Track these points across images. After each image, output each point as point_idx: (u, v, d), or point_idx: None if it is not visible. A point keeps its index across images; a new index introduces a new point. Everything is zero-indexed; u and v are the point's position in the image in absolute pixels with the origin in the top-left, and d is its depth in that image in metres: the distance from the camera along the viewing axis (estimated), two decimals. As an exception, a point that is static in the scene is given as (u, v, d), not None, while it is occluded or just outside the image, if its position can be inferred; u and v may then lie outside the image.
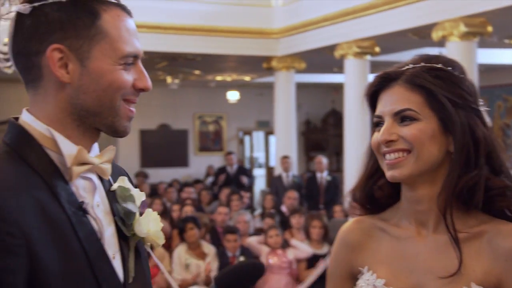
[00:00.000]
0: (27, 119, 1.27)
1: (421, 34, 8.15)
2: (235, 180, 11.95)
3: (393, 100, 1.47)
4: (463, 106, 1.45)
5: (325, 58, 10.18)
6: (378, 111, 1.50)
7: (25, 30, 1.26)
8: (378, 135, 1.48)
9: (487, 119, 1.50)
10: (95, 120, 1.29)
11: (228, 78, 13.96)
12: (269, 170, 15.54)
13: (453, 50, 7.19)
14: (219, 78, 14.03)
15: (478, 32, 7.16)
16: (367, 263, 1.54)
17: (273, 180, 11.01)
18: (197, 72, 12.86)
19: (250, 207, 10.62)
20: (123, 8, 1.31)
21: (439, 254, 1.47)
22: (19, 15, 1.26)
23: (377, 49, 8.88)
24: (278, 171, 10.54)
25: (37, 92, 1.28)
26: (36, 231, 1.15)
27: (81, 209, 1.24)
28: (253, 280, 1.16)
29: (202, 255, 6.19)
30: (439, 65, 1.47)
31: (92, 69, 1.26)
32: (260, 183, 15.87)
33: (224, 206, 7.56)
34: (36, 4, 1.25)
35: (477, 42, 7.28)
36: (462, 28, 7.06)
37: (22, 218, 1.14)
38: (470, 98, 1.47)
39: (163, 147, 14.92)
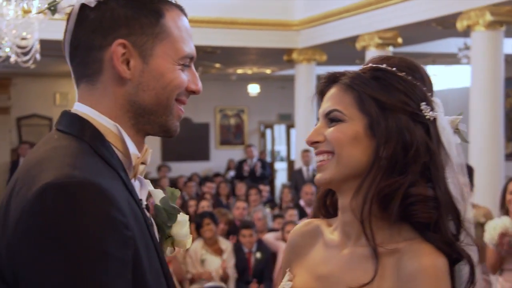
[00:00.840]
0: (90, 113, 1.24)
1: (446, 24, 7.94)
2: (255, 172, 11.94)
3: (327, 101, 1.44)
4: (396, 109, 1.38)
5: (346, 50, 10.00)
6: (319, 112, 1.48)
7: (88, 24, 1.24)
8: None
9: (441, 123, 1.41)
10: (149, 118, 1.27)
11: (249, 71, 13.85)
12: (291, 164, 15.42)
13: (479, 40, 6.99)
14: (239, 71, 13.94)
15: (505, 21, 6.94)
16: (296, 265, 1.52)
17: (293, 174, 10.91)
18: (217, 65, 12.77)
19: (271, 201, 10.51)
20: (181, 9, 1.32)
21: (353, 267, 1.40)
22: (82, 8, 1.24)
23: (399, 40, 8.69)
24: (298, 164, 10.41)
25: (95, 86, 1.25)
26: (133, 224, 1.14)
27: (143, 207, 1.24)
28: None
29: (219, 251, 6.11)
30: (383, 65, 1.42)
31: (154, 66, 1.25)
32: (281, 176, 15.77)
33: (242, 201, 7.46)
34: None
35: (504, 32, 7.05)
36: (488, 17, 6.84)
37: (127, 211, 1.13)
38: (410, 102, 1.39)
39: (184, 141, 14.86)
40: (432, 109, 1.42)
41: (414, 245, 1.34)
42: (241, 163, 13.08)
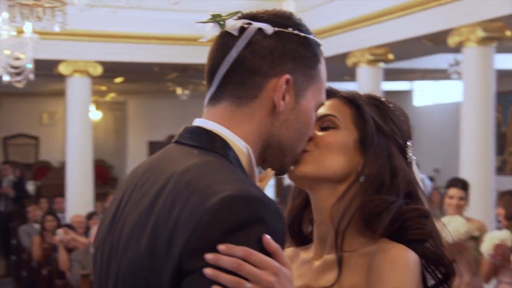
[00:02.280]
0: (224, 132, 1.25)
1: (437, 40, 7.99)
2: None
3: (323, 108, 1.46)
4: (387, 134, 1.43)
5: (336, 67, 10.02)
6: None
7: (259, 49, 1.25)
8: None
9: (416, 169, 1.47)
10: (277, 154, 1.29)
11: (238, 88, 13.83)
12: (279, 180, 15.38)
13: (470, 55, 7.04)
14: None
15: (496, 37, 6.99)
16: None
17: (283, 190, 10.88)
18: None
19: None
20: (324, 58, 1.35)
21: (324, 274, 1.42)
22: (258, 32, 1.26)
23: (390, 56, 8.72)
24: (287, 181, 10.37)
25: (241, 109, 1.26)
26: None
27: None
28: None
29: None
30: (383, 99, 1.49)
31: (302, 108, 1.28)
32: (269, 192, 15.72)
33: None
34: (278, 29, 1.27)
35: (495, 47, 7.10)
36: (480, 33, 6.89)
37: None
38: (398, 133, 1.45)
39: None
40: (411, 153, 1.48)
41: (383, 244, 1.35)
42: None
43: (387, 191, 1.39)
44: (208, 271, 1.06)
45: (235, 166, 1.21)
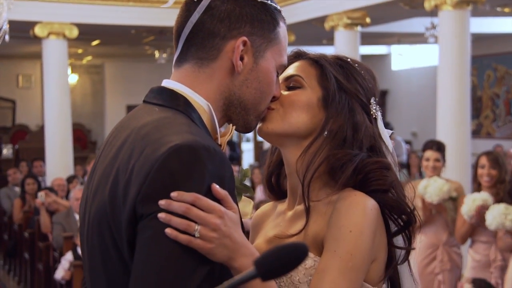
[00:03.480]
0: (185, 90, 1.34)
1: (413, 4, 8.03)
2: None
3: (290, 68, 1.55)
4: (349, 91, 1.50)
5: (314, 30, 10.04)
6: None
7: (217, 13, 1.34)
8: None
9: (380, 125, 1.53)
10: (240, 112, 1.38)
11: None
12: (257, 144, 15.48)
13: (446, 19, 7.10)
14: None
15: (471, 1, 7.05)
16: (252, 241, 1.62)
17: (261, 154, 10.95)
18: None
19: (240, 181, 10.54)
20: (285, 21, 1.44)
21: (294, 223, 1.51)
22: None
23: (368, 20, 8.76)
24: (267, 145, 10.44)
25: (202, 70, 1.35)
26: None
27: None
28: (296, 263, 1.08)
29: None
30: (348, 59, 1.56)
31: (261, 68, 1.37)
32: (248, 157, 15.80)
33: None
34: None
35: (470, 11, 7.17)
36: (456, -3, 6.93)
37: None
38: (361, 91, 1.52)
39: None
40: (376, 109, 1.54)
41: (344, 192, 1.43)
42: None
43: (350, 145, 1.47)
44: (161, 215, 1.17)
45: (192, 122, 1.30)
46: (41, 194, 7.24)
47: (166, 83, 1.39)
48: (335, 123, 1.48)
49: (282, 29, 1.41)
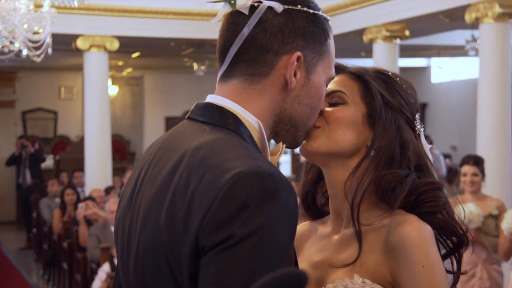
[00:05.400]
0: (234, 107, 1.27)
1: (453, 16, 7.93)
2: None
3: (331, 83, 1.50)
4: (394, 108, 1.46)
5: (352, 43, 9.99)
6: None
7: (270, 27, 1.28)
8: None
9: (424, 141, 1.50)
10: (289, 129, 1.32)
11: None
12: (294, 157, 15.45)
13: (487, 32, 6.99)
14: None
15: (513, 13, 6.92)
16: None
17: (298, 167, 10.92)
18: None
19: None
20: (331, 32, 1.37)
21: (344, 248, 1.45)
22: (268, 10, 1.28)
23: (407, 32, 8.68)
24: (303, 158, 10.40)
25: (253, 86, 1.28)
26: None
27: None
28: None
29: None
30: (389, 73, 1.51)
31: (313, 83, 1.31)
32: (285, 169, 15.78)
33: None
34: (287, 6, 1.29)
35: (512, 24, 7.05)
36: (497, 9, 6.83)
37: None
38: (406, 106, 1.48)
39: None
40: (420, 125, 1.51)
41: (398, 217, 1.39)
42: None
43: (397, 164, 1.43)
44: None
45: (246, 142, 1.24)
46: (81, 205, 7.34)
47: (213, 98, 1.32)
48: (382, 141, 1.44)
49: (331, 41, 1.36)
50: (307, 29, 1.30)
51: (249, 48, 1.28)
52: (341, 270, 1.41)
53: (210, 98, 1.32)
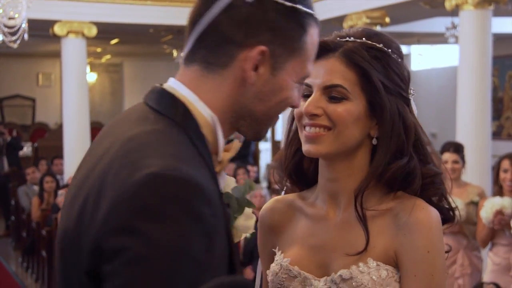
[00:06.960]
0: (190, 97, 1.20)
1: (434, 3, 7.95)
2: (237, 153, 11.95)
3: (326, 72, 1.42)
4: (394, 92, 1.43)
5: (333, 30, 9.95)
6: (309, 81, 1.43)
7: (237, 15, 1.18)
8: (303, 106, 1.42)
9: (414, 107, 1.49)
10: (251, 123, 1.24)
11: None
12: (275, 144, 15.46)
13: (467, 19, 7.01)
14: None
15: (493, 0, 6.94)
16: (280, 243, 1.54)
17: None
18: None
19: (256, 181, 10.53)
20: (318, 24, 1.26)
21: (347, 232, 1.45)
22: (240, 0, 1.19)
23: (387, 19, 8.68)
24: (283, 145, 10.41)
25: (212, 76, 1.20)
26: (220, 219, 1.12)
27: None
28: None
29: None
30: (380, 45, 1.44)
31: (278, 81, 1.22)
32: (265, 156, 15.79)
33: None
34: None
35: (492, 10, 7.07)
36: (477, -4, 6.84)
37: (219, 209, 1.11)
38: (402, 85, 1.45)
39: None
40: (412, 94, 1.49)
41: (406, 202, 1.42)
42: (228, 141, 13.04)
43: (402, 148, 1.43)
44: None
45: (187, 138, 1.16)
46: (61, 193, 7.28)
47: (171, 83, 1.24)
48: (386, 130, 1.42)
49: (310, 37, 1.23)
50: (278, 23, 1.19)
51: (211, 35, 1.20)
52: (351, 256, 1.42)
53: (170, 82, 1.25)
